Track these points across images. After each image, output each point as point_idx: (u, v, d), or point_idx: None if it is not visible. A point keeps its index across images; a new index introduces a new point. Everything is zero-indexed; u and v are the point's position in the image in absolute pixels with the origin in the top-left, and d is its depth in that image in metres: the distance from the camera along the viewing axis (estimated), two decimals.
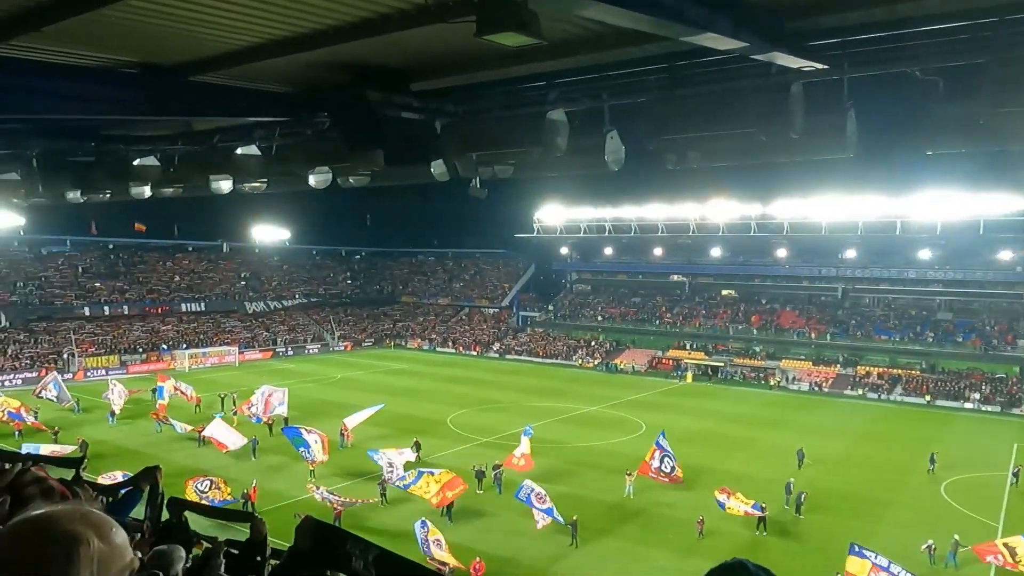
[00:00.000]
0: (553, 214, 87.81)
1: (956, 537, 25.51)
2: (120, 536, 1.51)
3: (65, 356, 63.69)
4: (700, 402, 56.04)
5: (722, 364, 69.77)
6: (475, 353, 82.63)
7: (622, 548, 26.44)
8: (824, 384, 63.96)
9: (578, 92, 7.14)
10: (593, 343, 79.67)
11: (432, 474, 28.58)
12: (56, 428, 38.82)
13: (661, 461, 32.40)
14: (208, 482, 27.79)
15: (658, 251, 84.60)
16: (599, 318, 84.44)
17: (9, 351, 62.71)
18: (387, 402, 42.90)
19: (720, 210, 75.99)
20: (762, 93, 5.60)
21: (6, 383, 55.99)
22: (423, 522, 23.86)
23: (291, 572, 2.34)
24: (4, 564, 1.37)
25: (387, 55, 6.96)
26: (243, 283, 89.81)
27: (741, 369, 68.98)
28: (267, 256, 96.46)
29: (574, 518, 26.43)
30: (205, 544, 5.78)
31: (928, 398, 58.27)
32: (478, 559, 22.93)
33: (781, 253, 76.85)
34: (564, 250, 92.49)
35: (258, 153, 9.82)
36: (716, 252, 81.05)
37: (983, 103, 4.75)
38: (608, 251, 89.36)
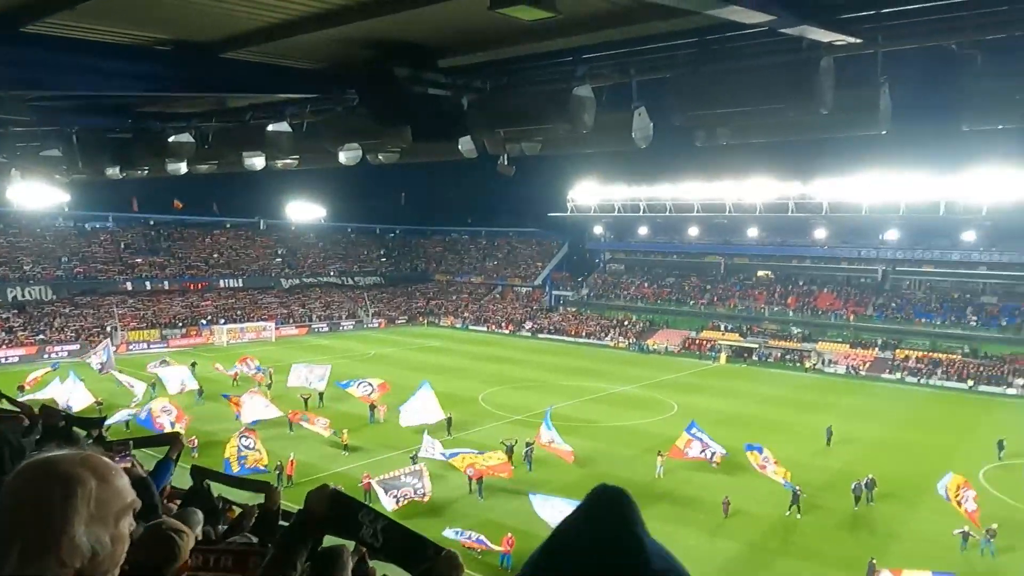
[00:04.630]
0: (587, 193, 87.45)
1: (994, 526, 25.06)
2: (121, 480, 1.64)
3: (108, 330, 65.39)
4: (734, 383, 55.60)
5: (756, 346, 69.05)
6: (507, 332, 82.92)
7: (652, 528, 25.44)
8: (861, 367, 62.96)
9: (605, 68, 7.05)
10: (626, 323, 79.37)
11: (480, 454, 28.95)
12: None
13: (702, 451, 32.18)
14: (252, 441, 28.38)
15: (693, 231, 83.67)
16: (632, 298, 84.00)
17: (55, 324, 64.61)
18: (419, 379, 43.31)
19: (757, 190, 74.78)
20: (792, 68, 5.47)
21: (52, 354, 57.74)
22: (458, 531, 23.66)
23: (299, 535, 2.42)
24: (10, 500, 1.53)
25: (414, 31, 6.95)
26: (279, 259, 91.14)
27: (776, 351, 68.16)
28: (303, 233, 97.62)
29: None
30: (236, 509, 6.00)
31: (970, 383, 57.02)
32: (510, 535, 23.19)
33: (820, 234, 75.45)
34: (598, 229, 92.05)
35: (289, 130, 9.91)
36: (753, 232, 79.92)
37: (1021, 78, 4.60)
38: (642, 231, 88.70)
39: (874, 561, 21.63)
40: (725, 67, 5.95)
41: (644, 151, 7.49)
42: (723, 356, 67.42)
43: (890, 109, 5.70)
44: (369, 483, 26.65)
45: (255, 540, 3.71)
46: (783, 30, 5.14)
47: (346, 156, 10.55)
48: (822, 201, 72.18)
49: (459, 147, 8.65)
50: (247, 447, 28.47)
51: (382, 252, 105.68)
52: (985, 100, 4.94)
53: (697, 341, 72.54)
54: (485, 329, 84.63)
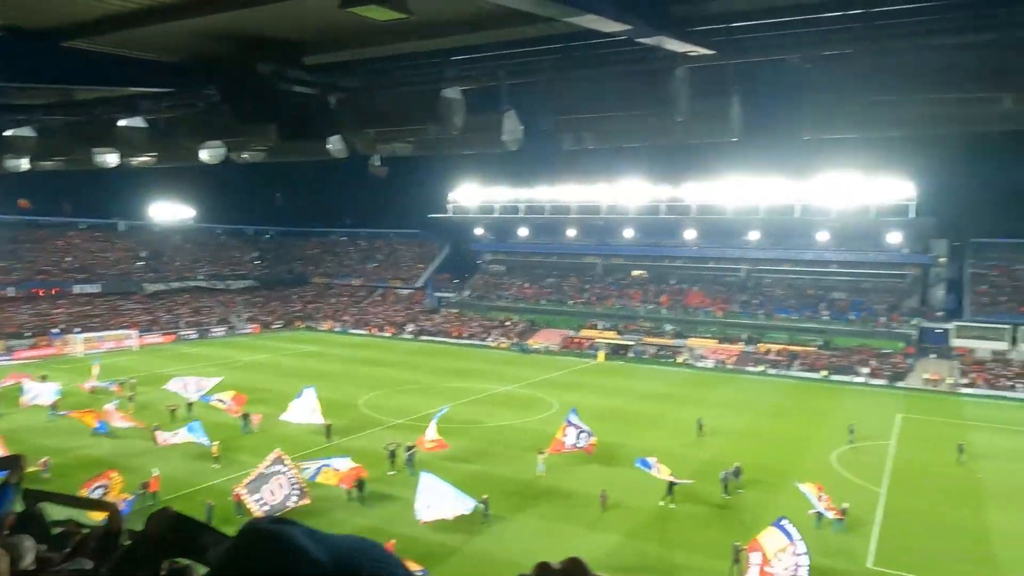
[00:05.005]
0: (468, 195, 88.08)
1: (845, 505, 27.13)
2: None
3: None
4: (611, 380, 57.38)
5: (632, 343, 71.60)
6: (389, 335, 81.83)
7: (533, 525, 26.89)
8: (728, 361, 66.59)
9: (474, 70, 7.08)
10: (507, 323, 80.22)
11: (330, 466, 28.30)
12: None
13: (577, 437, 33.06)
14: (101, 487, 25.76)
15: (572, 232, 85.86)
16: (513, 298, 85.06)
17: None
18: (297, 386, 41.96)
19: (631, 192, 77.84)
20: (650, 76, 5.70)
21: None
22: None
23: (136, 558, 2.27)
24: None
25: (275, 26, 6.70)
26: (142, 263, 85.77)
27: (650, 347, 70.97)
28: (168, 235, 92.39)
29: (485, 497, 26.68)
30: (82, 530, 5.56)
31: (824, 373, 61.58)
32: (393, 541, 22.84)
33: (689, 235, 79.38)
34: (479, 231, 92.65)
35: (144, 126, 9.34)
36: (628, 233, 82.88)
37: (853, 92, 5.00)
38: (523, 232, 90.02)
39: (737, 544, 22.90)
40: (589, 73, 6.11)
41: (524, 153, 7.59)
42: (601, 354, 69.43)
43: (742, 118, 6.04)
44: (239, 495, 25.57)
45: (90, 565, 3.44)
46: (641, 40, 5.33)
47: (208, 154, 10.08)
48: (691, 204, 76.18)
49: (328, 146, 8.43)
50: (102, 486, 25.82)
51: (256, 254, 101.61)
52: (821, 111, 5.33)
53: (576, 340, 74.38)
54: (366, 332, 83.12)
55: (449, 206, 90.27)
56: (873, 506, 29.44)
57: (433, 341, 78.25)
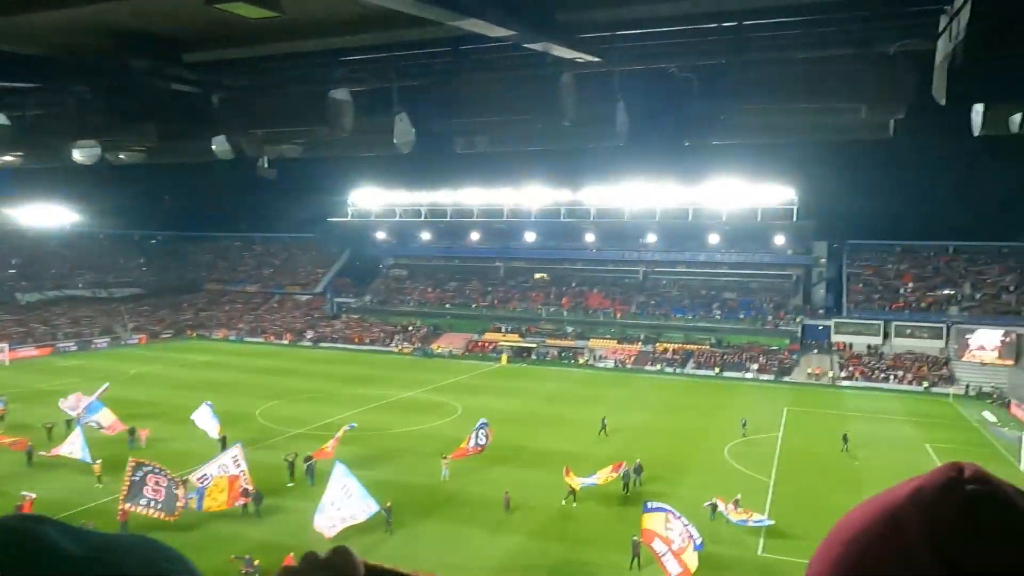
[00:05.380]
0: (368, 198, 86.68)
1: (738, 496, 28.16)
2: None
3: None
4: (515, 383, 57.83)
5: (535, 345, 72.44)
6: (287, 342, 79.50)
7: (438, 530, 26.71)
8: (627, 361, 68.43)
9: (364, 71, 6.97)
10: (410, 328, 79.52)
11: (208, 480, 27.12)
12: None
13: (475, 438, 33.06)
14: None
15: (474, 236, 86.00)
16: (416, 303, 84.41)
17: None
18: (189, 398, 40.12)
19: (532, 196, 78.81)
20: (539, 81, 5.78)
21: None
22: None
23: None
24: None
25: (149, 21, 6.38)
26: (14, 271, 79.87)
27: (553, 349, 72.01)
28: (43, 241, 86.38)
29: (388, 504, 26.30)
30: None
31: (717, 370, 64.24)
32: (291, 555, 22.14)
33: (589, 238, 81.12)
34: (380, 234, 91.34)
35: (7, 122, 8.71)
36: (530, 237, 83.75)
37: (728, 100, 5.24)
38: (425, 236, 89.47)
39: (635, 539, 23.55)
40: (479, 77, 6.14)
41: (418, 156, 7.52)
42: (504, 357, 69.88)
43: (628, 124, 6.22)
44: (126, 510, 24.34)
45: None
46: (528, 45, 5.40)
47: (81, 154, 9.48)
48: (590, 207, 77.85)
49: (213, 147, 8.10)
50: None
51: (142, 260, 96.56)
52: (700, 119, 5.55)
53: (480, 343, 74.57)
54: (263, 340, 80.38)
55: (349, 209, 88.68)
56: (763, 496, 30.89)
57: (334, 348, 76.58)
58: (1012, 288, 65.92)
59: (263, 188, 70.82)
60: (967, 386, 57.65)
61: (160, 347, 75.44)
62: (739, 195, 70.46)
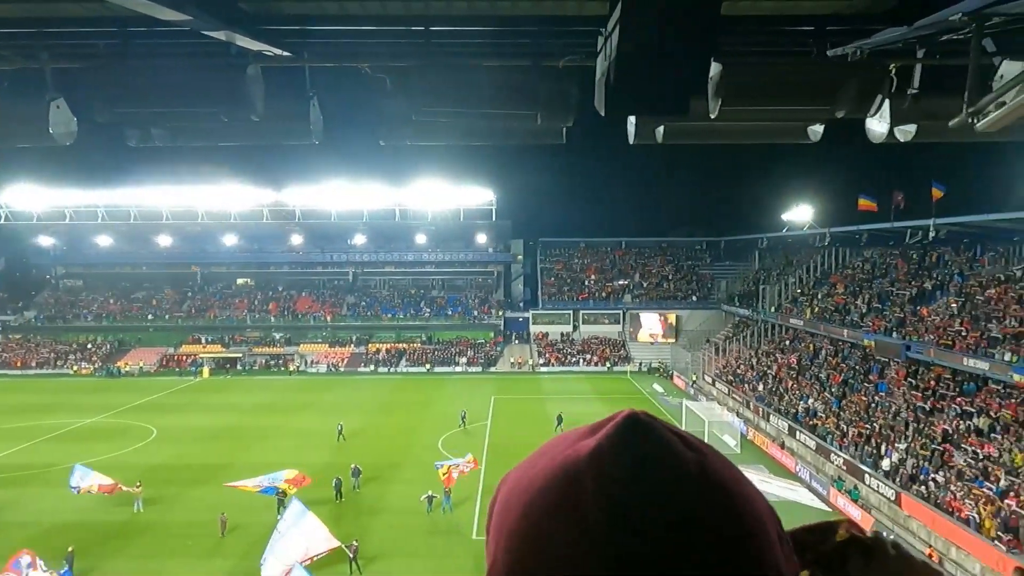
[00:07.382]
0: (26, 198, 73.66)
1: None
2: None
3: None
4: (219, 397, 53.93)
5: (240, 355, 68.28)
6: None
7: (130, 568, 23.91)
8: (340, 364, 67.50)
9: (9, 49, 5.94)
10: (90, 346, 70.11)
11: None
12: None
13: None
14: None
15: (165, 240, 78.02)
16: (96, 316, 74.66)
17: None
18: None
19: (231, 197, 73.71)
20: (224, 72, 5.40)
21: None
22: None
23: None
24: None
25: None
26: None
27: (261, 358, 68.48)
28: None
29: (71, 549, 22.91)
30: None
31: (428, 366, 66.13)
32: None
33: (296, 240, 78.28)
34: (45, 240, 78.67)
35: None
36: (230, 240, 78.35)
37: (419, 102, 5.38)
38: (104, 241, 79.00)
39: (355, 543, 23.40)
40: (152, 64, 5.56)
41: (85, 149, 6.58)
42: (206, 370, 64.79)
43: (322, 121, 6.07)
44: None
45: None
46: (209, 33, 5.02)
47: None
48: (295, 208, 75.06)
49: None
50: None
51: None
52: (394, 119, 5.63)
53: (176, 357, 68.30)
54: None
55: (2, 212, 75.18)
56: (476, 482, 32.48)
57: None
58: (670, 277, 77.12)
59: None
60: (640, 363, 66.33)
61: None
62: (443, 196, 73.11)
